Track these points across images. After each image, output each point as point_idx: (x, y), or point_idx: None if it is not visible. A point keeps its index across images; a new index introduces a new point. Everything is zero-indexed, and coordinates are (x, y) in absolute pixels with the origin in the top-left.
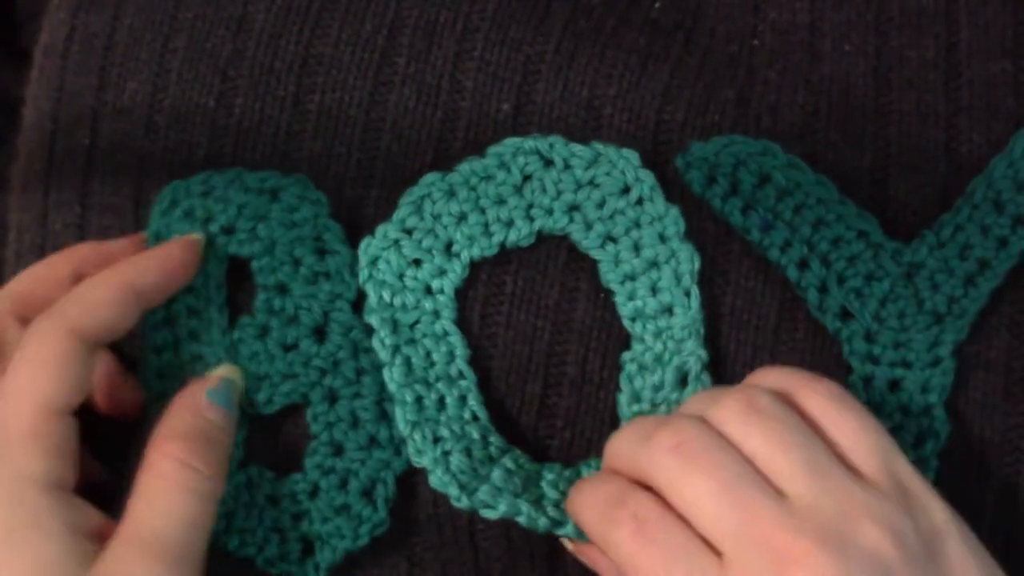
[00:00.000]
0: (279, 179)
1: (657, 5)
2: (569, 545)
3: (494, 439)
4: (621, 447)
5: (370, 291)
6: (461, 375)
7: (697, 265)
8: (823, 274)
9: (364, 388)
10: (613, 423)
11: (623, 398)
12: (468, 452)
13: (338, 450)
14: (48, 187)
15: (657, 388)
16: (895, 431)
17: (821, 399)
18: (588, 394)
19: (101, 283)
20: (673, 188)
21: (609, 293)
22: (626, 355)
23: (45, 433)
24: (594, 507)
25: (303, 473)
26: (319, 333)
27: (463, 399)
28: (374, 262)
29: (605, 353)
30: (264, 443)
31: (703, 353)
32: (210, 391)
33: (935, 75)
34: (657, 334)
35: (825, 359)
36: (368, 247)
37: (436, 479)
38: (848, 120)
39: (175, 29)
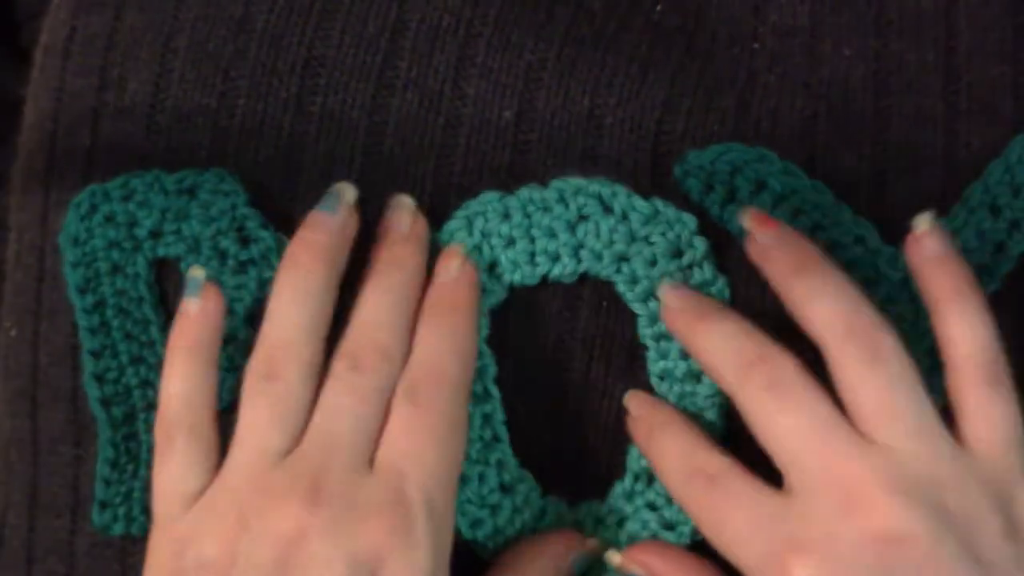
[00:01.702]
0: (196, 176)
1: (659, 8)
2: (616, 559)
3: (511, 464)
4: (726, 359)
5: None
6: (487, 393)
7: None
8: None
9: None
10: (618, 431)
11: (634, 451)
12: (481, 478)
13: None
14: (48, 187)
15: None
16: None
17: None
18: (592, 402)
19: None
20: (673, 197)
21: (642, 347)
22: None
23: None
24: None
25: None
26: (253, 321)
27: (487, 418)
28: None
29: (609, 361)
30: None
31: (720, 426)
32: None
33: (934, 79)
34: (681, 398)
35: (824, 366)
36: None
37: None
38: (847, 124)
39: (176, 29)
